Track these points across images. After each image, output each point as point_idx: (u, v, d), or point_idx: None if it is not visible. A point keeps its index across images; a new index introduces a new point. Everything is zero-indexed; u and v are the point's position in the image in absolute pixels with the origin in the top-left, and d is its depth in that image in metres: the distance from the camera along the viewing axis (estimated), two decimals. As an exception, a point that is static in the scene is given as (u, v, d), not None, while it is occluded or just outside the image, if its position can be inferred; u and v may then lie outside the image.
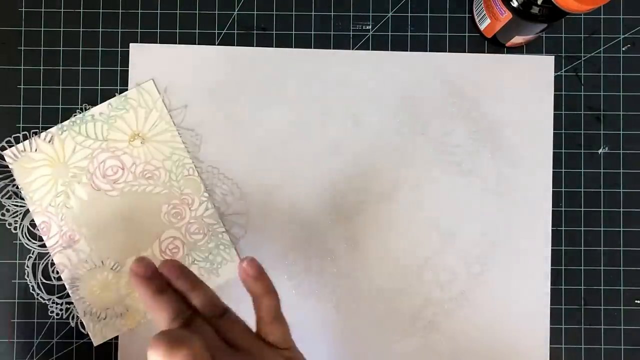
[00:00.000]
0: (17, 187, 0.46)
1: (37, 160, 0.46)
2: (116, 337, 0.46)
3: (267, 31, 0.48)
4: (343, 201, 0.47)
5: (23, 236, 0.47)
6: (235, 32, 0.48)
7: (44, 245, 0.46)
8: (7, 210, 0.47)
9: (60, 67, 0.48)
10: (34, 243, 0.46)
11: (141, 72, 0.47)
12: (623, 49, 0.48)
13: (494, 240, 0.47)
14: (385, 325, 0.46)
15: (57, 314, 0.46)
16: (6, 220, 0.47)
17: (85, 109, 0.47)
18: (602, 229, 0.47)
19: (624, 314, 0.47)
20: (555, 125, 0.47)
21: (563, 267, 0.47)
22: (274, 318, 0.36)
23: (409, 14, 0.48)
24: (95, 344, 0.46)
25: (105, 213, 0.46)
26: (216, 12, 0.48)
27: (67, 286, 0.46)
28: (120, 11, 0.48)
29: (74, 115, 0.47)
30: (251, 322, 0.37)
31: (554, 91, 0.48)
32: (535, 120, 0.47)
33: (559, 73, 0.48)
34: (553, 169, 0.47)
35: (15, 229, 0.47)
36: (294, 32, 0.48)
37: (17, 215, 0.47)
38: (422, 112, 0.47)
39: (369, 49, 0.48)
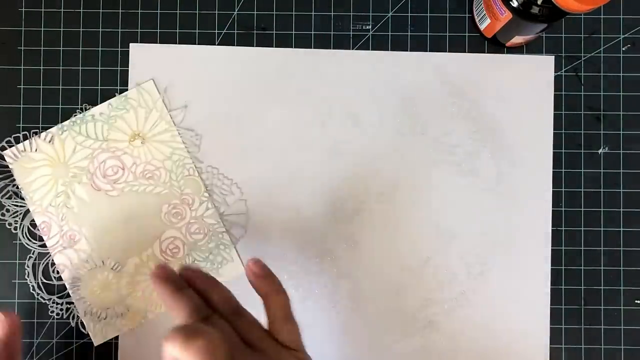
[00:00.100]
0: (17, 187, 0.46)
1: (37, 160, 0.46)
2: (116, 337, 0.46)
3: (267, 31, 0.48)
4: (343, 201, 0.47)
5: (23, 236, 0.47)
6: (235, 32, 0.48)
7: (44, 246, 0.46)
8: (7, 210, 0.47)
9: (60, 67, 0.48)
10: (34, 243, 0.46)
11: (141, 72, 0.47)
12: (623, 49, 0.48)
13: (494, 240, 0.47)
14: (385, 325, 0.46)
15: (58, 314, 0.46)
16: (6, 220, 0.47)
17: (86, 109, 0.47)
18: (602, 229, 0.47)
19: (624, 314, 0.47)
20: (555, 125, 0.47)
21: (563, 267, 0.47)
22: (285, 317, 0.36)
23: (409, 14, 0.48)
24: (95, 344, 0.46)
25: (106, 213, 0.46)
26: (216, 12, 0.48)
27: (67, 286, 0.46)
28: (120, 11, 0.48)
29: (74, 115, 0.47)
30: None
31: (554, 91, 0.48)
32: (535, 120, 0.47)
33: (559, 73, 0.48)
34: (553, 169, 0.47)
35: (15, 229, 0.47)
36: (294, 32, 0.48)
37: (17, 215, 0.47)
38: (422, 112, 0.47)
39: (369, 49, 0.48)
